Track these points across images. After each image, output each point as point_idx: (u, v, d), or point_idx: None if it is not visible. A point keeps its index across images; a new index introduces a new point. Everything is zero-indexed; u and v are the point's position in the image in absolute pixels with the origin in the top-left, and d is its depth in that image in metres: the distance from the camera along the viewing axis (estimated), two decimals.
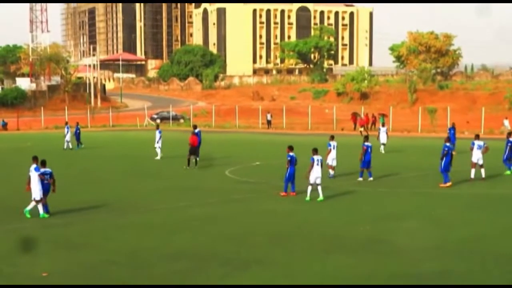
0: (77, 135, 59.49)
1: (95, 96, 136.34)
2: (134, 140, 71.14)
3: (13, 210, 27.50)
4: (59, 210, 27.21)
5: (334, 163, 37.03)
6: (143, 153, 52.83)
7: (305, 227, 24.60)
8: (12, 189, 34.03)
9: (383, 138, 51.67)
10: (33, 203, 25.81)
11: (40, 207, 25.80)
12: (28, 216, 25.70)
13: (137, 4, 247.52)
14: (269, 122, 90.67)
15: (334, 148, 36.84)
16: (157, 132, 48.22)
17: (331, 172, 37.00)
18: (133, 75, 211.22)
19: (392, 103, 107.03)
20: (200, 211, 27.39)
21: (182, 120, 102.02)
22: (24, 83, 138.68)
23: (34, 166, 25.95)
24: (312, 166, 29.30)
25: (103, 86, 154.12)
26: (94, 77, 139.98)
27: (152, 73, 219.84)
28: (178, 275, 18.33)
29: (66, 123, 61.17)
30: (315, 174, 29.30)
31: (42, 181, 25.67)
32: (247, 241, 22.53)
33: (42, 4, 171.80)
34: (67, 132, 58.81)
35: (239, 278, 17.91)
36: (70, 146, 58.39)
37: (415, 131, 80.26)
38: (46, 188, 25.92)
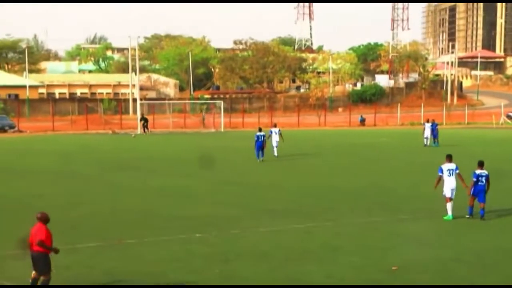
0: (434, 132, 59.39)
1: (452, 94, 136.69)
2: (489, 139, 70.56)
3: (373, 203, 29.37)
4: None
5: None
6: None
7: None
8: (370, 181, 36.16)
9: None
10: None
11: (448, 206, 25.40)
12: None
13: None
14: None
15: None
16: None
17: None
18: (491, 73, 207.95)
19: None
20: None
21: None
22: (383, 80, 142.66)
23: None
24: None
25: (460, 84, 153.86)
26: (451, 74, 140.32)
27: (511, 71, 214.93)
28: None
29: (428, 120, 61.85)
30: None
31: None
32: None
33: (404, 3, 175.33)
34: (426, 128, 59.69)
35: None
36: (428, 143, 59.03)
37: None
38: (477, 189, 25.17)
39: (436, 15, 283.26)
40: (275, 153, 47.58)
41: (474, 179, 25.00)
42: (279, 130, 48.81)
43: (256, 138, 45.48)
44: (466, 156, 52.25)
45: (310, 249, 20.94)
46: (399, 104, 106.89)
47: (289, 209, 27.71)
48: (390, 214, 26.55)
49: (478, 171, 25.11)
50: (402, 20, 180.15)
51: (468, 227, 24.22)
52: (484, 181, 24.95)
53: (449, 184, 25.21)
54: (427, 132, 58.91)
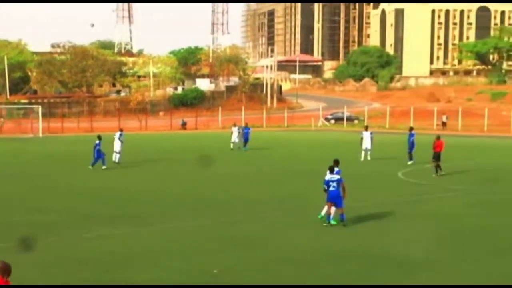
0: (246, 136, 59.31)
1: (271, 97, 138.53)
2: (306, 141, 71.79)
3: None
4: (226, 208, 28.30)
5: None
6: (316, 154, 53.42)
7: (476, 231, 24.54)
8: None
9: None
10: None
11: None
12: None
13: (316, 5, 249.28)
14: (444, 124, 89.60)
15: None
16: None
17: None
18: (309, 76, 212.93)
19: None
20: (370, 211, 27.56)
21: (356, 121, 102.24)
22: (204, 84, 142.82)
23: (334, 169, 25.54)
24: None
25: (280, 87, 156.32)
26: (271, 78, 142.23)
27: (328, 74, 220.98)
28: (344, 276, 18.45)
29: (234, 124, 62.06)
30: None
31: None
32: (416, 243, 22.62)
33: (224, 6, 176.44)
34: (234, 132, 59.65)
35: (406, 282, 17.87)
36: (236, 147, 58.97)
37: None
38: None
39: (255, 19, 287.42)
40: (116, 160, 46.13)
41: (325, 186, 24.81)
42: (121, 135, 47.04)
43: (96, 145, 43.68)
44: (286, 159, 52.62)
45: (135, 253, 20.61)
46: (220, 108, 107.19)
47: (116, 214, 27.22)
48: (218, 217, 26.55)
49: (328, 177, 24.92)
50: (222, 24, 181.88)
51: (296, 228, 24.50)
52: (336, 186, 24.56)
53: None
54: (234, 136, 59.12)
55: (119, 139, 46.52)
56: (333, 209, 24.65)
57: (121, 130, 48.48)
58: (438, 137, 41.18)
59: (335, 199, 24.52)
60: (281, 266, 19.30)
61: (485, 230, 24.69)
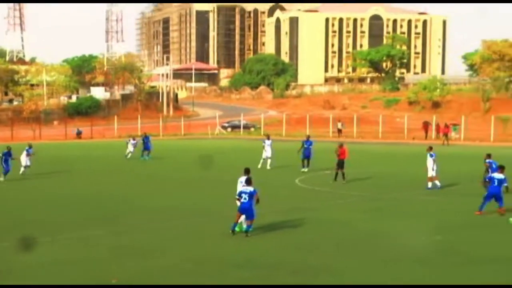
0: (145, 145, 58.16)
1: (168, 105, 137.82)
2: (204, 149, 71.53)
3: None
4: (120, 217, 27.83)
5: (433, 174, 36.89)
6: (215, 162, 53.13)
7: (373, 236, 24.69)
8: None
9: None
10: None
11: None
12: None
13: (211, 14, 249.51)
14: (339, 131, 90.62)
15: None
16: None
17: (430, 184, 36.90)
18: (206, 84, 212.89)
19: (464, 112, 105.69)
20: (269, 220, 27.41)
21: (252, 129, 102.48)
22: (99, 92, 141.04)
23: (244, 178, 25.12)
24: None
25: (176, 95, 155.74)
26: (167, 86, 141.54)
27: (224, 82, 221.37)
28: (241, 284, 18.36)
29: (133, 137, 61.29)
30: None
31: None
32: (315, 249, 22.63)
33: (118, 14, 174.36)
34: (132, 143, 58.97)
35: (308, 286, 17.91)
36: (129, 156, 58.11)
37: (487, 140, 79.29)
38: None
39: (150, 27, 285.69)
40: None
41: (237, 197, 24.53)
42: (30, 150, 45.90)
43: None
44: (184, 167, 52.27)
45: (21, 266, 20.08)
46: (116, 117, 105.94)
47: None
48: (109, 227, 26.26)
49: (242, 188, 24.65)
50: (117, 32, 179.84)
51: (189, 236, 24.35)
52: (247, 198, 24.15)
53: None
54: (131, 147, 58.43)
55: (28, 153, 45.61)
56: (242, 217, 24.48)
57: (29, 145, 47.42)
58: (341, 145, 41.31)
59: (245, 211, 24.27)
60: (172, 275, 19.15)
61: (379, 236, 24.84)
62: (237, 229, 24.49)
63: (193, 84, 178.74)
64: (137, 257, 21.36)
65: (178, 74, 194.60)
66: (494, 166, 32.58)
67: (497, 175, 28.70)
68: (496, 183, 28.41)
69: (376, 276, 19.19)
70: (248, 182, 24.69)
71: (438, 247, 22.82)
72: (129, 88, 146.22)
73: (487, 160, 34.40)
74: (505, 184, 29.36)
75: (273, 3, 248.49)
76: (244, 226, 24.55)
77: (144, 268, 19.86)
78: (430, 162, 36.62)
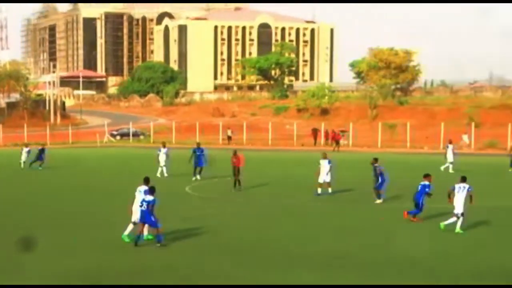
0: (39, 156, 56.58)
1: (55, 113, 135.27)
2: (94, 158, 70.56)
3: None
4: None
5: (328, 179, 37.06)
6: (106, 170, 52.45)
7: (267, 243, 24.61)
8: None
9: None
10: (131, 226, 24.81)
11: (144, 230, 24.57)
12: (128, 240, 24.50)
13: (98, 21, 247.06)
14: (229, 138, 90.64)
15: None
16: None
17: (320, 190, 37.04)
18: (93, 92, 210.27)
19: (352, 119, 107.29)
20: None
21: (142, 137, 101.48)
22: None
23: (144, 188, 24.88)
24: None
25: (63, 103, 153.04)
26: (53, 94, 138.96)
27: (112, 90, 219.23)
28: None
29: (26, 145, 59.70)
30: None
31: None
32: (205, 256, 22.41)
33: (3, 21, 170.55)
34: (25, 153, 57.48)
35: None
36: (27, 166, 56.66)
37: (375, 147, 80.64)
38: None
39: (36, 34, 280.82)
40: None
41: (140, 205, 24.31)
42: None
43: None
44: (74, 176, 51.35)
45: None
46: (1, 125, 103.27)
47: None
48: None
49: (143, 196, 24.35)
50: (1, 39, 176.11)
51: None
52: (146, 206, 23.87)
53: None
54: (24, 157, 56.96)
55: None
56: (146, 226, 24.27)
57: None
58: (235, 152, 40.99)
59: (143, 219, 24.00)
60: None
61: (272, 241, 24.82)
62: (150, 236, 24.45)
63: (80, 92, 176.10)
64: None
65: (65, 82, 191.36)
66: None
67: (422, 182, 28.79)
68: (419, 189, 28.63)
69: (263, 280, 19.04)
70: (151, 191, 24.42)
71: (330, 250, 22.92)
72: (15, 96, 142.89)
73: (375, 165, 34.75)
74: (428, 190, 29.13)
75: (162, 11, 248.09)
76: (145, 233, 24.48)
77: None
78: (326, 168, 36.79)
